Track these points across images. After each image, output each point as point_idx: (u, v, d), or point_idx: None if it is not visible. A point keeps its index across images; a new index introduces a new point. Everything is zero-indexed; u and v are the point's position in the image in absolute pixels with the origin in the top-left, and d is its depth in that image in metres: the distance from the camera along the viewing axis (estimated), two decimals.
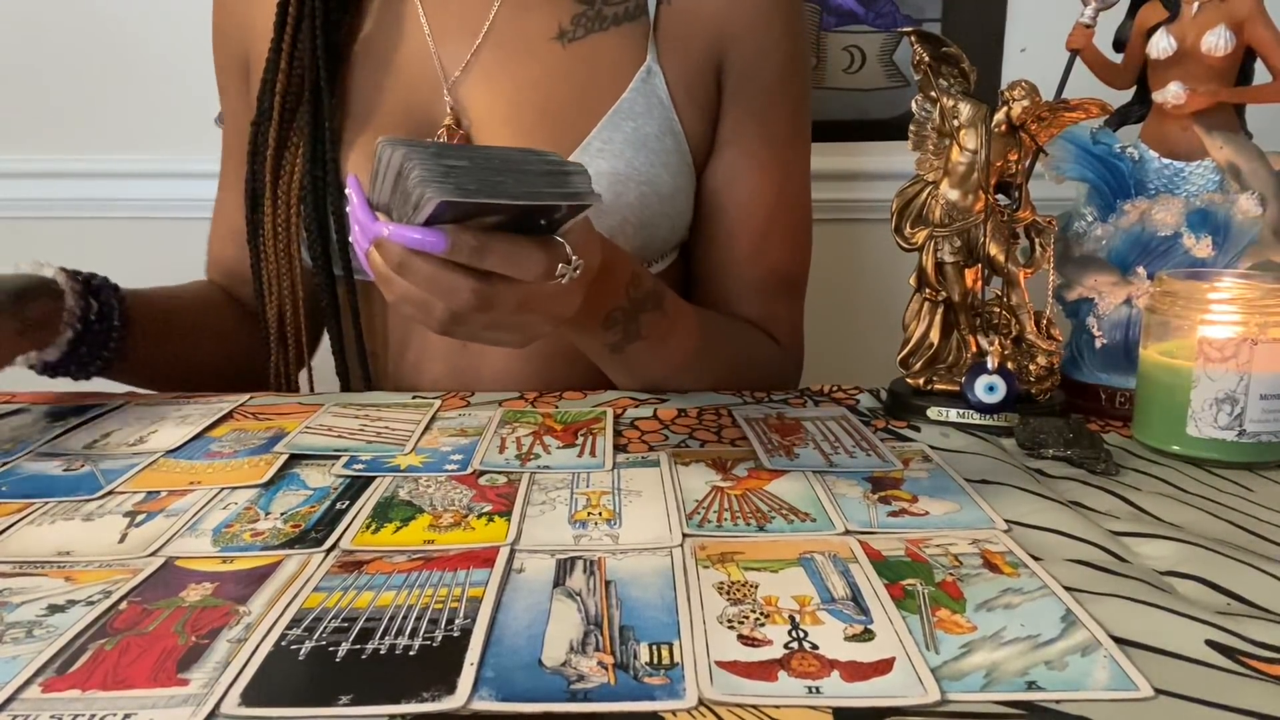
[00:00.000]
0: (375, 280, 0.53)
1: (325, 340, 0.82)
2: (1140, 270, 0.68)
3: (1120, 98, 0.73)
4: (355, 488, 0.54)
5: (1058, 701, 0.33)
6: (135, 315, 0.73)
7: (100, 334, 0.70)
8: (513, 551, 0.45)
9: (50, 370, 0.70)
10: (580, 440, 0.61)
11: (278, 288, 0.78)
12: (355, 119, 0.77)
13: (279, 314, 0.79)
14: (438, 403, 0.71)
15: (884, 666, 0.35)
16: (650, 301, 0.66)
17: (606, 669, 0.35)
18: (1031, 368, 0.66)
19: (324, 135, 0.75)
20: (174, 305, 0.80)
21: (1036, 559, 0.44)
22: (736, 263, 0.81)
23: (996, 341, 0.66)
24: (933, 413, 0.66)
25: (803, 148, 0.82)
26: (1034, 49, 1.21)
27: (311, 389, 0.83)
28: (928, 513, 0.50)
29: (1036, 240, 0.66)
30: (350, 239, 0.54)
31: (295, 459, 0.58)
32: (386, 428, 0.64)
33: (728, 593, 0.41)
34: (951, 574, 0.42)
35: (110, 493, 0.53)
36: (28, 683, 0.34)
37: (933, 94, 0.67)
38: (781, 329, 0.83)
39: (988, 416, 0.64)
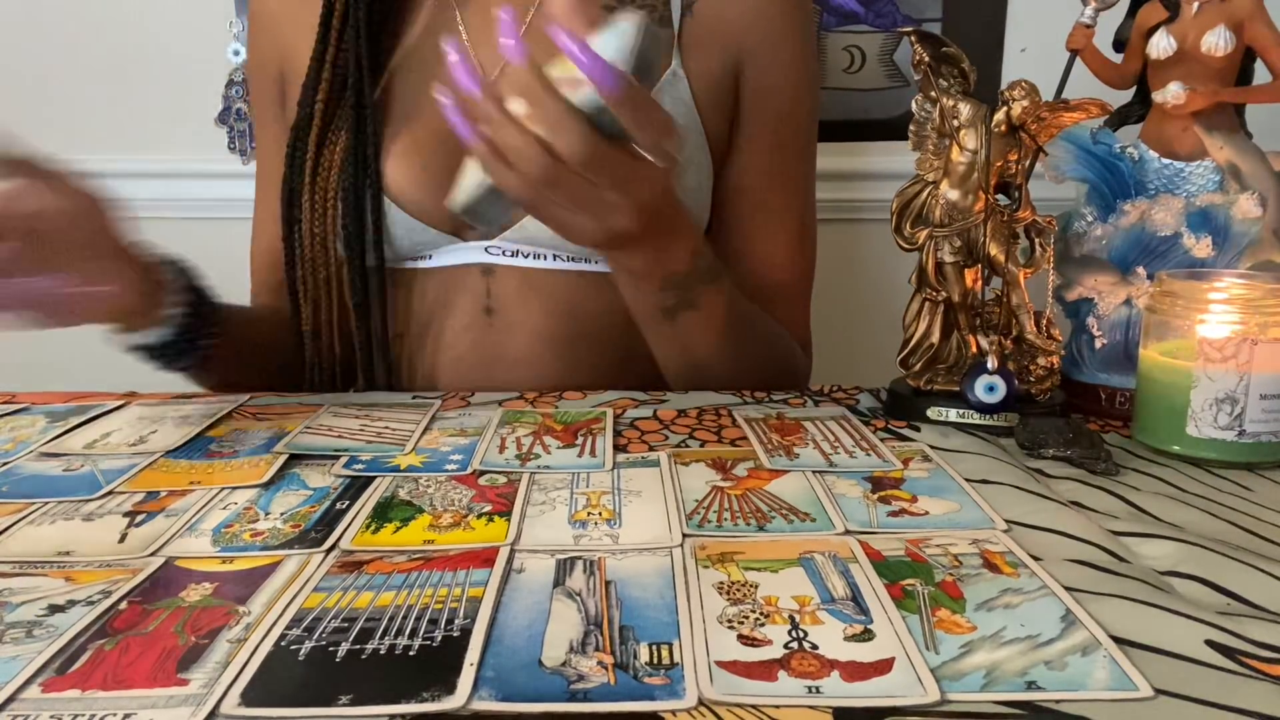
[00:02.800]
0: (473, 124, 0.54)
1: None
2: (1140, 270, 0.68)
3: (1120, 98, 0.73)
4: (355, 488, 0.54)
5: (1058, 701, 0.33)
6: (225, 303, 0.76)
7: (208, 301, 0.72)
8: (513, 551, 0.45)
9: (168, 343, 0.70)
10: (580, 440, 0.61)
11: (313, 283, 0.80)
12: (395, 122, 0.79)
13: (314, 308, 0.81)
14: (437, 403, 0.71)
15: (884, 666, 0.35)
16: (710, 275, 0.71)
17: (606, 669, 0.35)
18: (1031, 368, 0.66)
19: (366, 140, 0.77)
20: (247, 309, 0.83)
21: (1036, 559, 0.44)
22: (746, 265, 0.83)
23: (996, 341, 0.66)
24: (933, 413, 0.66)
25: (811, 159, 0.86)
26: (1034, 49, 1.21)
27: (339, 384, 0.84)
28: (928, 513, 0.50)
29: (1036, 240, 0.66)
30: (436, 94, 0.55)
31: (295, 459, 0.58)
32: (386, 428, 0.64)
33: (728, 593, 0.41)
34: (951, 574, 0.42)
35: (110, 493, 0.53)
36: (28, 683, 0.34)
37: (933, 94, 0.67)
38: (792, 329, 0.86)
39: (988, 416, 0.64)
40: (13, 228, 0.55)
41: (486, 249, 0.79)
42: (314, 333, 0.81)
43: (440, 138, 0.77)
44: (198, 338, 0.71)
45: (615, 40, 0.52)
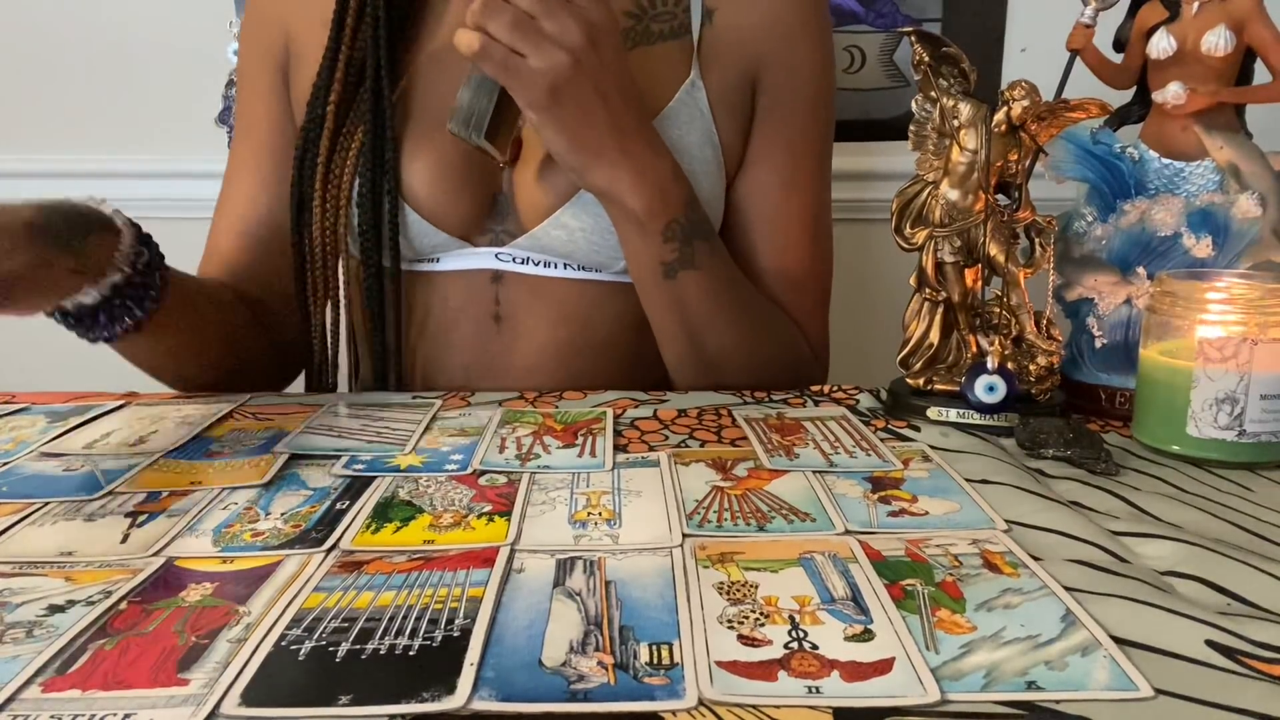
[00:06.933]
0: None
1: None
2: (1140, 270, 0.68)
3: (1120, 98, 0.73)
4: (355, 488, 0.54)
5: (1058, 701, 0.33)
6: (173, 280, 0.69)
7: (139, 288, 0.65)
8: (513, 551, 0.45)
9: (72, 319, 0.63)
10: (580, 440, 0.61)
11: (323, 290, 0.79)
12: (413, 124, 0.78)
13: (321, 314, 0.80)
14: (438, 403, 0.71)
15: (884, 666, 0.35)
16: (704, 230, 0.74)
17: (606, 669, 0.35)
18: (1031, 368, 0.66)
19: (385, 142, 0.77)
20: (199, 286, 0.77)
21: (1036, 559, 0.44)
22: (760, 275, 0.83)
23: (996, 341, 0.66)
24: (933, 413, 0.66)
25: (826, 167, 0.86)
26: (1034, 49, 1.21)
27: (353, 386, 0.84)
28: (928, 513, 0.50)
29: (1036, 240, 0.66)
30: None
31: (295, 459, 0.58)
32: (387, 428, 0.64)
33: (728, 593, 0.41)
34: (951, 574, 0.42)
35: (111, 493, 0.53)
36: (28, 683, 0.34)
37: (933, 94, 0.67)
38: (805, 335, 0.85)
39: (988, 416, 0.64)
40: None
41: (496, 255, 0.79)
42: (320, 336, 0.81)
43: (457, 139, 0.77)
44: (134, 301, 0.64)
45: None
